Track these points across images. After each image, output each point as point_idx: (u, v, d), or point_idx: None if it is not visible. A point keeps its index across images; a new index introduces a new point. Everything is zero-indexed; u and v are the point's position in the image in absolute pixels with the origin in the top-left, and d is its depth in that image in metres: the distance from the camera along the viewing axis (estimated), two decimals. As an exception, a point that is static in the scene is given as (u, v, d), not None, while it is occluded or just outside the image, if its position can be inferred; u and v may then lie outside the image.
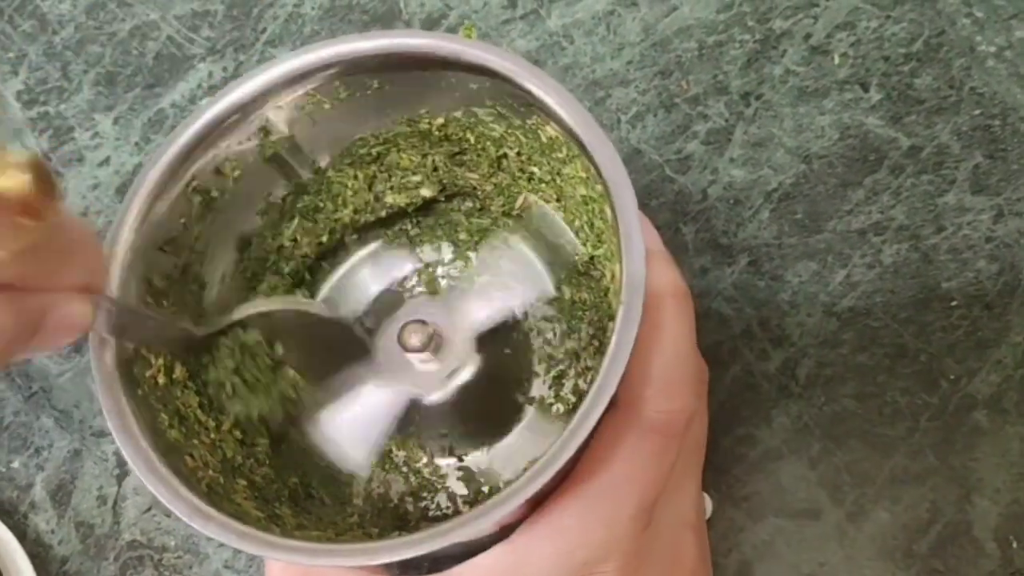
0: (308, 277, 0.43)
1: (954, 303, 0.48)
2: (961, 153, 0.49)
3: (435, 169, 0.41)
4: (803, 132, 0.50)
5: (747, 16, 0.52)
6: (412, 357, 0.39)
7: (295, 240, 0.41)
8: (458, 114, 0.37)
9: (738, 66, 0.52)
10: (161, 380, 0.33)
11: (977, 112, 0.49)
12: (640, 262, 0.30)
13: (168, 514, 0.50)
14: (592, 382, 0.29)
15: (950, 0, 0.51)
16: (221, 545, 0.50)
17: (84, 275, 0.29)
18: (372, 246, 0.44)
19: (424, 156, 0.40)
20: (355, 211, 0.42)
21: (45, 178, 0.24)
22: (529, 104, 0.33)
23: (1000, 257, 0.48)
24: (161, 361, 0.34)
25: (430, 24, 0.54)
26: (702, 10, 0.52)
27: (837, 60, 0.51)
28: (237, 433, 0.37)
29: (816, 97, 0.51)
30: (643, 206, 0.31)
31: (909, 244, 0.49)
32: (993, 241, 0.48)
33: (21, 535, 0.50)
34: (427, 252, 0.44)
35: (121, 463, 0.51)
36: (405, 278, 0.44)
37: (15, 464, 0.51)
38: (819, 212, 0.50)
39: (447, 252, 0.44)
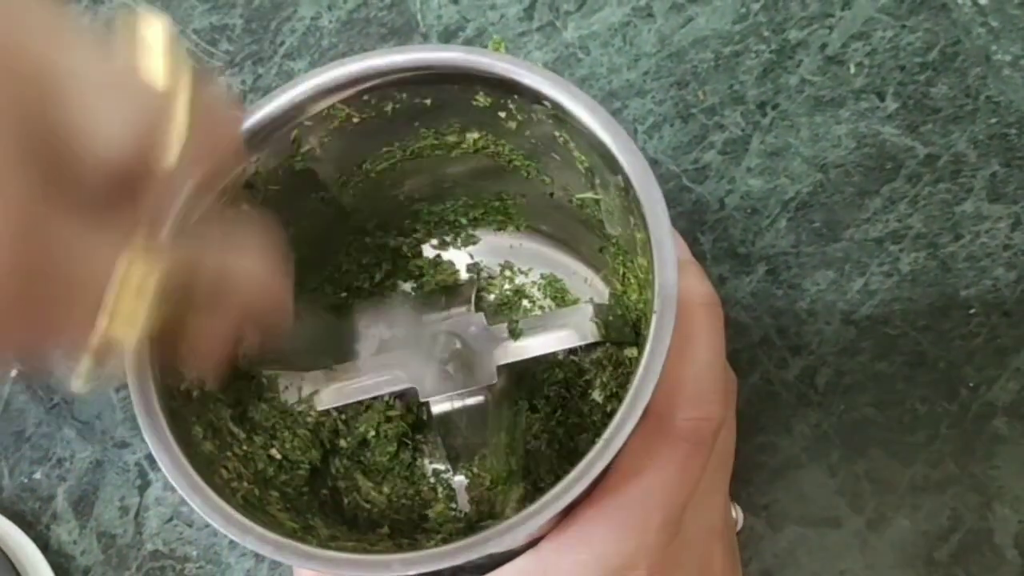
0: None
1: (972, 311, 0.48)
2: (978, 161, 0.49)
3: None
4: (820, 141, 0.51)
5: (763, 26, 0.52)
6: (449, 368, 0.39)
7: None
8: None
9: (754, 76, 0.52)
10: (195, 393, 0.34)
11: (993, 120, 0.50)
12: (672, 273, 0.30)
13: (190, 524, 0.50)
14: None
15: (965, 9, 0.51)
16: (243, 554, 0.50)
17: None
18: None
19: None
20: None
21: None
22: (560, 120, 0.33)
23: (1018, 265, 0.48)
24: (194, 374, 0.34)
25: (447, 37, 0.55)
26: (718, 21, 0.53)
27: (853, 70, 0.51)
28: (273, 452, 0.37)
29: (832, 106, 0.51)
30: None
31: (927, 252, 0.49)
32: (1011, 249, 0.48)
33: (44, 545, 0.50)
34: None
35: (143, 474, 0.51)
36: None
37: (37, 475, 0.52)
38: (836, 221, 0.50)
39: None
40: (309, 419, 0.41)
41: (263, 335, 0.29)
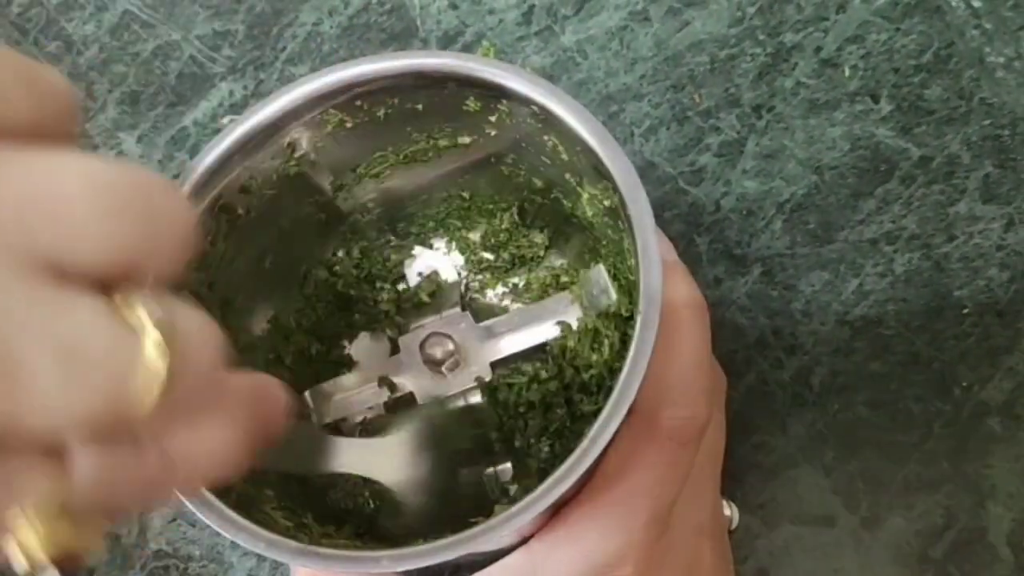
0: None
1: (966, 311, 0.48)
2: (971, 163, 0.50)
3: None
4: (814, 144, 0.51)
5: (758, 30, 0.53)
6: (431, 368, 0.40)
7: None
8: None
9: (750, 79, 0.52)
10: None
11: (987, 122, 0.50)
12: (657, 274, 0.30)
13: (193, 523, 0.51)
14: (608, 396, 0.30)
15: (959, 12, 0.51)
16: (245, 554, 0.50)
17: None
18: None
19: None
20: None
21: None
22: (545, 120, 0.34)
23: (1011, 265, 0.48)
24: None
25: (446, 41, 0.55)
26: (714, 25, 0.53)
27: (847, 72, 0.52)
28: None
29: (827, 109, 0.51)
30: (657, 218, 0.32)
31: (921, 253, 0.49)
32: (1004, 249, 0.49)
33: (49, 546, 0.51)
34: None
35: (147, 474, 0.52)
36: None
37: (43, 476, 0.52)
38: (831, 222, 0.50)
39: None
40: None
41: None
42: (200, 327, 0.21)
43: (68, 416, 0.18)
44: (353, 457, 0.37)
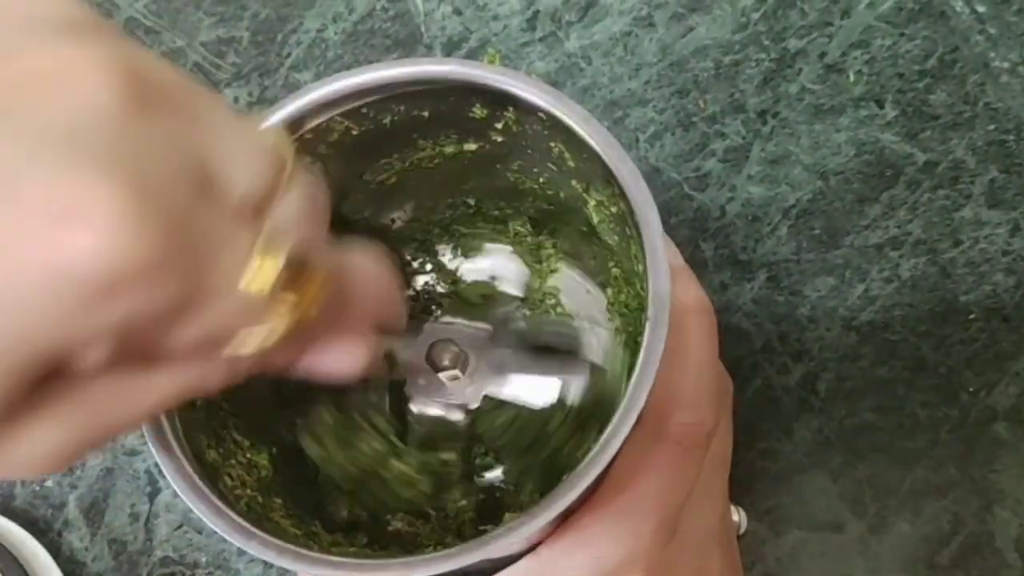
0: None
1: (972, 316, 0.48)
2: (977, 168, 0.50)
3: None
4: (820, 149, 0.51)
5: (762, 36, 0.53)
6: (442, 376, 0.40)
7: None
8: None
9: (754, 85, 0.52)
10: (198, 402, 0.34)
11: (992, 127, 0.50)
12: (665, 280, 0.30)
13: (200, 530, 0.51)
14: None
15: (963, 17, 0.52)
16: (251, 561, 0.50)
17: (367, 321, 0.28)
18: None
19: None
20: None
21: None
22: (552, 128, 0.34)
23: (1017, 270, 0.48)
24: None
25: (451, 48, 0.55)
26: (718, 30, 0.53)
27: (852, 78, 0.52)
28: (274, 450, 0.38)
29: (832, 114, 0.51)
30: (663, 224, 0.32)
31: (926, 258, 0.49)
32: (1010, 254, 0.49)
33: (55, 552, 0.51)
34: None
35: (153, 481, 0.52)
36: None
37: (48, 483, 0.52)
38: (837, 228, 0.50)
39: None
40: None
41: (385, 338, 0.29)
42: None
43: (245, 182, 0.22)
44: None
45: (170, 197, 0.19)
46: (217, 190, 0.21)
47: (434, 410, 0.41)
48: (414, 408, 0.41)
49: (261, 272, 0.22)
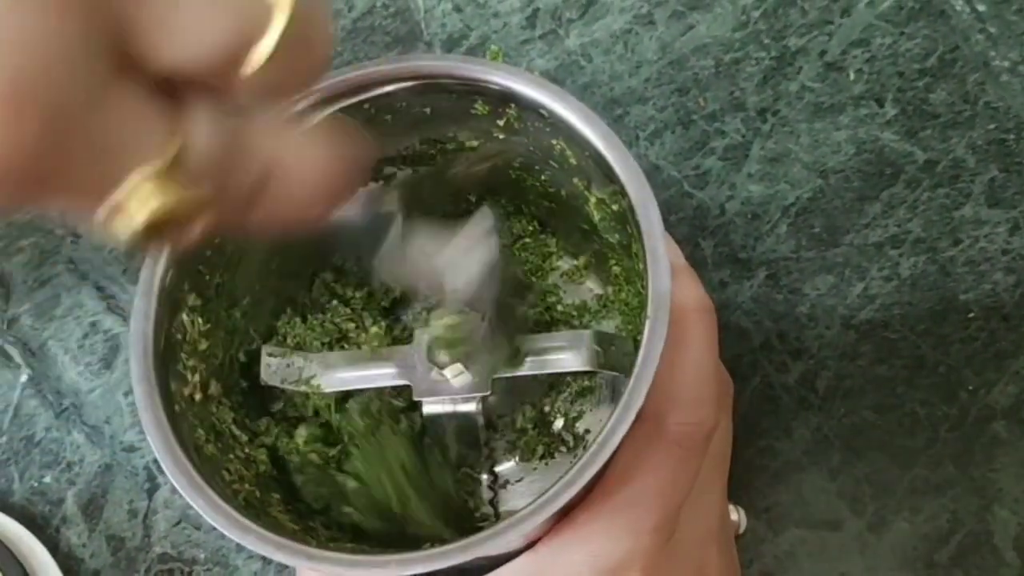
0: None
1: (972, 315, 0.48)
2: (976, 167, 0.50)
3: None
4: (819, 147, 0.51)
5: (763, 34, 0.53)
6: (446, 372, 0.39)
7: None
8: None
9: (754, 83, 0.52)
10: (198, 397, 0.34)
11: (992, 126, 0.50)
12: (665, 278, 0.30)
13: (198, 526, 0.51)
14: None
15: (964, 16, 0.51)
16: (250, 557, 0.50)
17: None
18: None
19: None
20: None
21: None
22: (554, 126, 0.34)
23: (1017, 269, 0.48)
24: (197, 378, 0.35)
25: (451, 45, 0.55)
26: (718, 28, 0.53)
27: (852, 76, 0.52)
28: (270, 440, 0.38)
29: (832, 113, 0.51)
30: (663, 222, 0.32)
31: (926, 257, 0.49)
32: (1009, 253, 0.49)
33: (53, 549, 0.51)
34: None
35: (151, 477, 0.52)
36: None
37: (47, 479, 0.52)
38: (836, 226, 0.50)
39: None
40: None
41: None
42: None
43: (200, 48, 0.19)
44: (430, 245, 0.36)
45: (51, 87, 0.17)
46: (132, 60, 0.19)
47: (447, 408, 0.41)
48: (426, 409, 0.40)
49: (137, 197, 0.20)
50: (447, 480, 0.41)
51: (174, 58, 0.19)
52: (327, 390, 0.40)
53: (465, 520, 0.41)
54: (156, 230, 0.20)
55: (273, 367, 0.40)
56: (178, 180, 0.20)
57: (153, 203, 0.20)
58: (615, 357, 0.39)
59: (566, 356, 0.39)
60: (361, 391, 0.41)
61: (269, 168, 0.22)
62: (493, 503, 0.43)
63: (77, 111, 0.18)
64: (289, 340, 0.42)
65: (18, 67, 0.17)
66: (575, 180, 0.37)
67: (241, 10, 0.19)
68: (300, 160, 0.23)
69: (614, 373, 0.39)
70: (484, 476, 0.43)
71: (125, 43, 0.19)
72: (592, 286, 0.45)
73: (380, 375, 0.40)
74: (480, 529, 0.30)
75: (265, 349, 0.40)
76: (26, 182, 0.19)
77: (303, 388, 0.40)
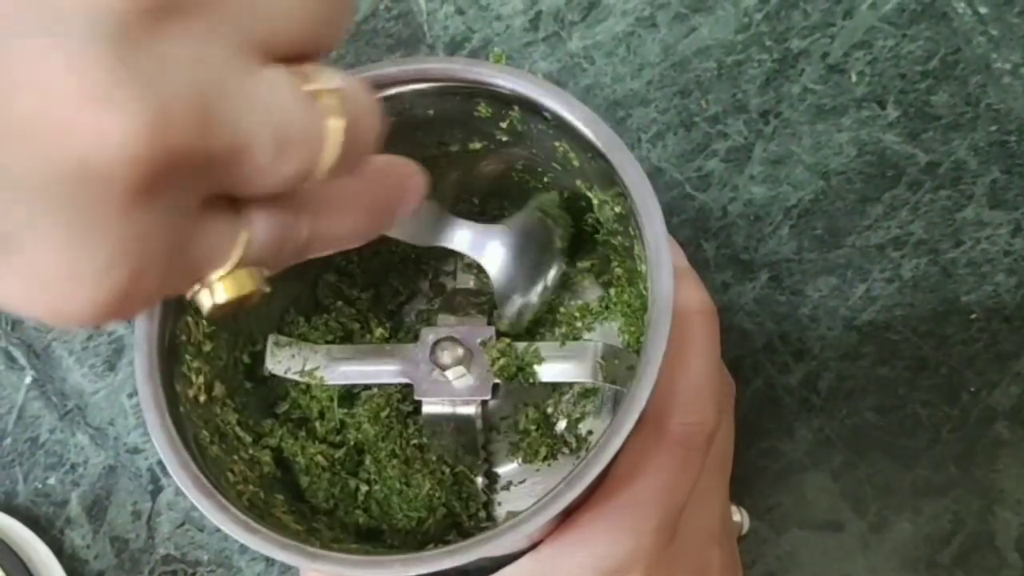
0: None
1: (973, 316, 0.48)
2: (978, 169, 0.50)
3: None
4: (821, 149, 0.51)
5: (765, 36, 0.53)
6: (448, 374, 0.39)
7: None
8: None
9: (756, 85, 0.52)
10: (202, 398, 0.34)
11: (993, 128, 0.50)
12: (668, 280, 0.30)
13: (202, 528, 0.51)
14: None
15: (965, 19, 0.52)
16: (253, 558, 0.50)
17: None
18: None
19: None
20: None
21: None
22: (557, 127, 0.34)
23: (1019, 271, 0.48)
24: (201, 379, 0.35)
25: (453, 47, 0.55)
26: (720, 31, 0.53)
27: (854, 78, 0.52)
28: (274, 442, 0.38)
29: (834, 115, 0.52)
30: (665, 224, 0.32)
31: (928, 258, 0.49)
32: (1011, 255, 0.49)
33: (58, 550, 0.51)
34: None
35: (155, 479, 0.52)
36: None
37: (51, 481, 0.53)
38: (838, 228, 0.50)
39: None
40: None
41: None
42: (367, 92, 0.23)
43: (275, 185, 0.21)
44: (467, 237, 0.39)
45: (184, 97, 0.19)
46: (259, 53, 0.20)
47: (446, 409, 0.41)
48: (426, 409, 0.40)
49: (210, 290, 0.23)
50: (444, 481, 0.41)
51: (254, 194, 0.22)
52: (330, 383, 0.40)
53: (459, 523, 0.41)
54: (232, 305, 0.23)
55: (279, 356, 0.40)
56: (245, 268, 0.23)
57: (225, 295, 0.23)
58: (617, 370, 0.39)
59: (570, 366, 0.39)
60: (366, 388, 0.41)
61: (318, 226, 0.25)
62: (487, 507, 0.43)
63: (169, 256, 0.21)
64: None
65: (135, 272, 0.20)
66: (578, 182, 0.37)
67: (308, 143, 0.21)
68: (342, 209, 0.26)
69: (615, 387, 0.39)
70: (480, 479, 0.43)
71: (214, 191, 0.21)
72: (594, 288, 0.45)
73: (383, 371, 0.40)
74: (475, 532, 0.30)
75: (271, 338, 0.40)
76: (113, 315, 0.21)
77: (306, 379, 0.40)
